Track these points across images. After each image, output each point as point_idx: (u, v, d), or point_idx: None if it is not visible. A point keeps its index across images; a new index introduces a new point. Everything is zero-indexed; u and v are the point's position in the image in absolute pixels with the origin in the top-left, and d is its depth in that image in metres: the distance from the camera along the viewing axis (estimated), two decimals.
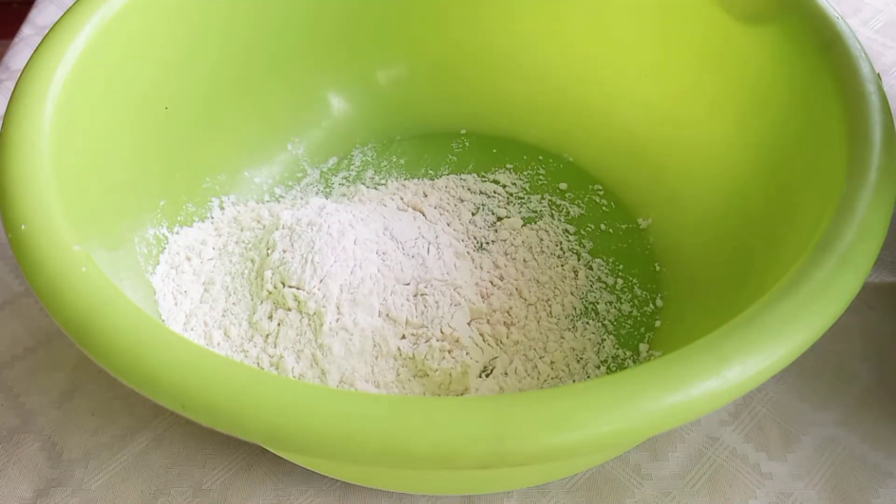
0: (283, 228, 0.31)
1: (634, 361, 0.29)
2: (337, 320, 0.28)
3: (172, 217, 0.31)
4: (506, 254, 0.33)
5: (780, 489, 0.27)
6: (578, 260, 0.33)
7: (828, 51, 0.25)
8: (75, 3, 0.26)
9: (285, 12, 0.34)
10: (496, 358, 0.29)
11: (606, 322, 0.31)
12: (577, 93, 0.37)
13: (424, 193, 0.35)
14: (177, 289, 0.29)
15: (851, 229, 0.20)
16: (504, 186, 0.36)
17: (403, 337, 0.29)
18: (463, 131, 0.39)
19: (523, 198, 0.36)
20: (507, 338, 0.29)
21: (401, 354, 0.28)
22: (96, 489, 0.27)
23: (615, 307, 0.31)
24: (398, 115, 0.38)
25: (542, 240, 0.33)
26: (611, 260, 0.33)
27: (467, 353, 0.28)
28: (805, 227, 0.22)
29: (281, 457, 0.28)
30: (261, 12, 0.33)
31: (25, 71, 0.24)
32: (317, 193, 0.36)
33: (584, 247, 0.33)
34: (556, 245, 0.33)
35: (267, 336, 0.28)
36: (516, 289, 0.31)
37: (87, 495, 0.27)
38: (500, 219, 0.35)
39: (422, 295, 0.30)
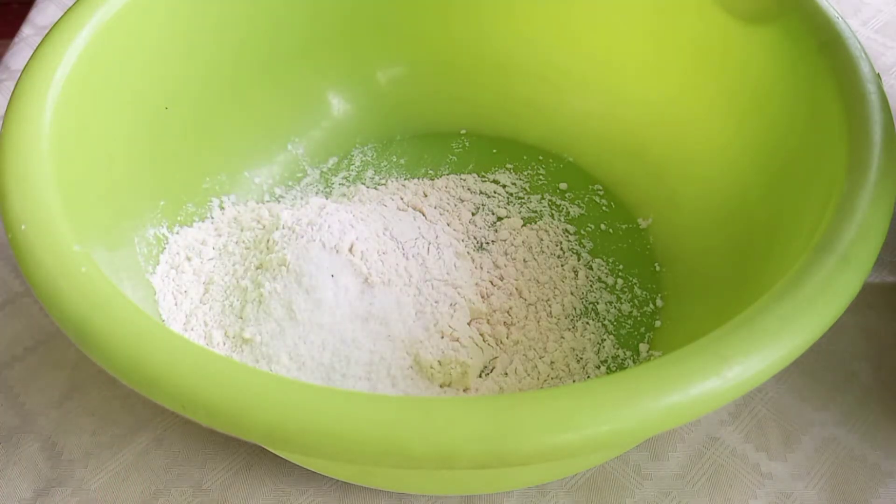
0: (283, 228, 0.31)
1: (634, 361, 0.29)
2: None
3: (172, 217, 0.31)
4: (506, 254, 0.33)
5: (780, 489, 0.27)
6: (578, 260, 0.33)
7: (828, 51, 0.25)
8: (75, 3, 0.26)
9: (284, 12, 0.34)
10: (496, 358, 0.29)
11: (606, 322, 0.31)
12: (578, 93, 0.37)
13: (424, 193, 0.35)
14: (177, 289, 0.29)
15: (851, 229, 0.20)
16: (504, 186, 0.36)
17: None
18: (463, 131, 0.39)
19: (523, 198, 0.36)
20: (507, 338, 0.29)
21: None
22: (96, 489, 0.27)
23: (615, 307, 0.31)
24: (398, 115, 0.38)
25: (542, 240, 0.33)
26: (611, 260, 0.33)
27: (467, 354, 0.28)
28: (805, 227, 0.22)
29: (281, 457, 0.28)
30: (259, 12, 0.33)
31: (25, 71, 0.24)
32: (317, 193, 0.36)
33: (584, 247, 0.33)
34: (556, 245, 0.33)
35: None
36: (516, 289, 0.31)
37: (87, 495, 0.27)
38: (500, 219, 0.35)
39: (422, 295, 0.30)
